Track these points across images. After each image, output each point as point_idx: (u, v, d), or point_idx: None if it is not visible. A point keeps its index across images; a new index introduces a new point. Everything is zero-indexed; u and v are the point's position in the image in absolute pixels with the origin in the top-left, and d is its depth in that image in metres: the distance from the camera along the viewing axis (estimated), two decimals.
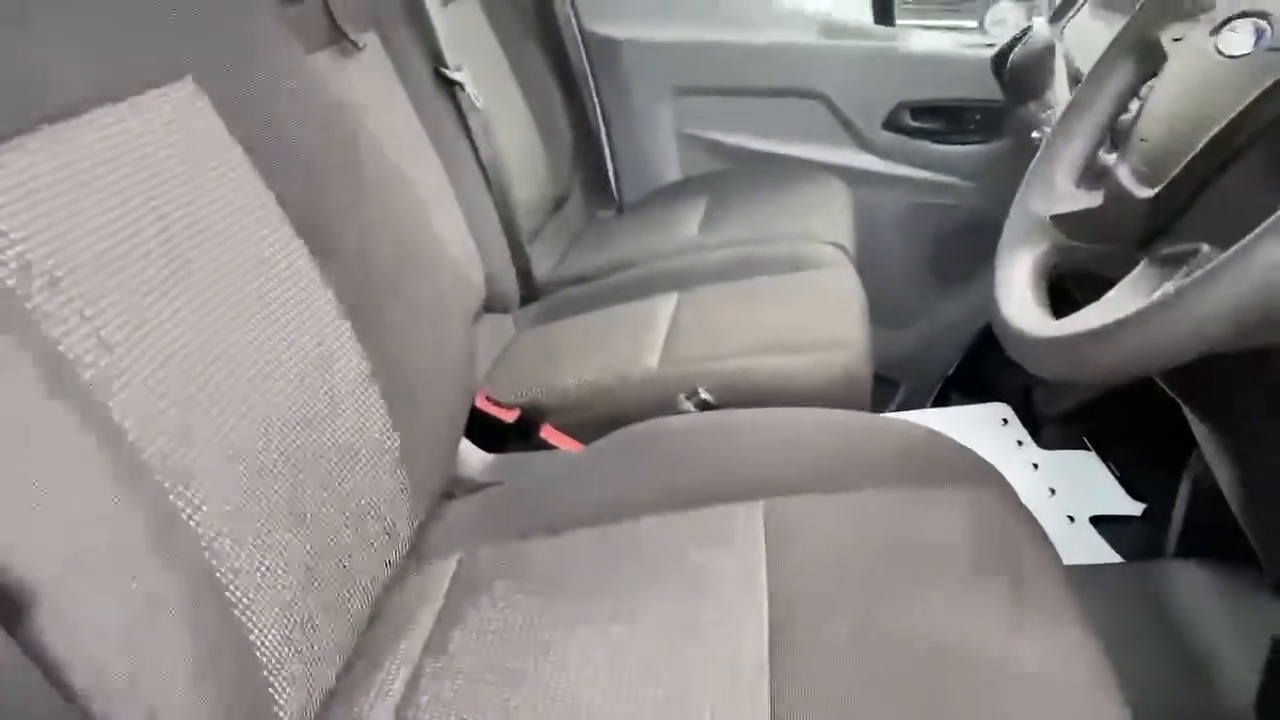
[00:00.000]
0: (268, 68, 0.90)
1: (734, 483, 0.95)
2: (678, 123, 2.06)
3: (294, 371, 0.78)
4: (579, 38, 2.02)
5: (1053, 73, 0.97)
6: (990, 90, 1.89)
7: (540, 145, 1.86)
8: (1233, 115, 0.60)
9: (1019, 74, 0.93)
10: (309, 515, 0.75)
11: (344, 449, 0.81)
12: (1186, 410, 1.10)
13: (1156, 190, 0.65)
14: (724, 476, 0.97)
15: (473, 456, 1.14)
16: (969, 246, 2.02)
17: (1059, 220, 0.76)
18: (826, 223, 1.70)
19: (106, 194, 0.67)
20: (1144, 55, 0.77)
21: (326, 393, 0.81)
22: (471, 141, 1.53)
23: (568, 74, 2.02)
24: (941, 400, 2.07)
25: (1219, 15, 0.66)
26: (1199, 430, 1.10)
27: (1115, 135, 0.79)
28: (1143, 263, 0.65)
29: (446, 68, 1.50)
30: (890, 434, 1.02)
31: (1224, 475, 1.01)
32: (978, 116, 1.93)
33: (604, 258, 1.76)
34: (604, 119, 2.08)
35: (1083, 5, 1.68)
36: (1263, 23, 0.62)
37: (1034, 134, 1.03)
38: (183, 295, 0.70)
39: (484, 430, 1.23)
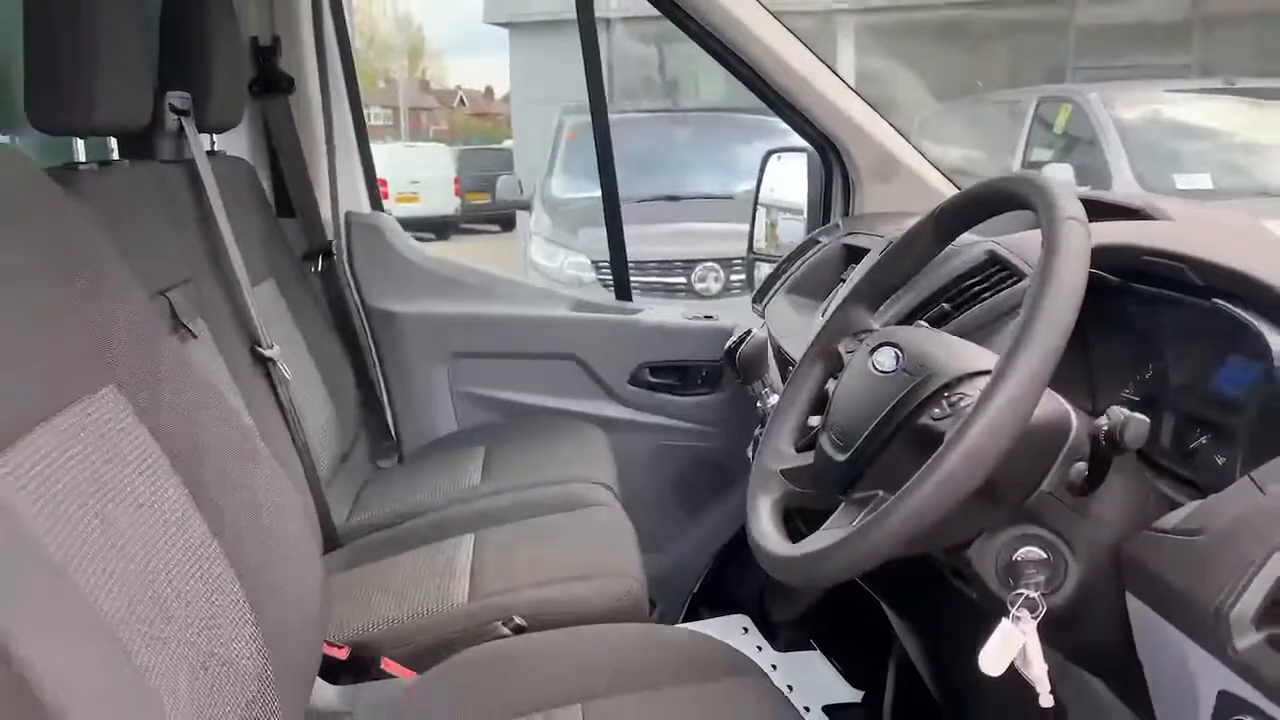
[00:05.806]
0: (169, 363, 1.10)
1: (555, 694, 1.19)
2: (454, 382, 2.34)
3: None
4: (361, 313, 2.30)
5: (768, 361, 1.34)
6: (712, 352, 2.33)
7: (331, 407, 2.07)
8: (885, 412, 0.95)
9: (746, 363, 1.29)
10: None
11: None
12: (885, 606, 1.45)
13: (847, 455, 0.98)
14: (546, 689, 1.20)
15: (322, 690, 1.29)
16: (706, 480, 2.40)
17: (786, 474, 1.08)
18: (592, 466, 2.01)
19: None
20: (829, 360, 1.14)
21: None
22: (281, 409, 1.73)
23: (354, 343, 2.27)
24: (691, 614, 2.38)
25: (873, 341, 1.03)
26: (894, 619, 1.45)
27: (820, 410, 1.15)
28: (843, 504, 0.98)
29: (261, 346, 1.72)
30: (674, 642, 1.31)
31: (914, 650, 1.35)
32: (704, 373, 2.34)
33: (395, 505, 1.97)
34: (385, 382, 2.33)
35: (779, 289, 2.15)
36: (899, 350, 0.98)
37: (758, 404, 1.40)
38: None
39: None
